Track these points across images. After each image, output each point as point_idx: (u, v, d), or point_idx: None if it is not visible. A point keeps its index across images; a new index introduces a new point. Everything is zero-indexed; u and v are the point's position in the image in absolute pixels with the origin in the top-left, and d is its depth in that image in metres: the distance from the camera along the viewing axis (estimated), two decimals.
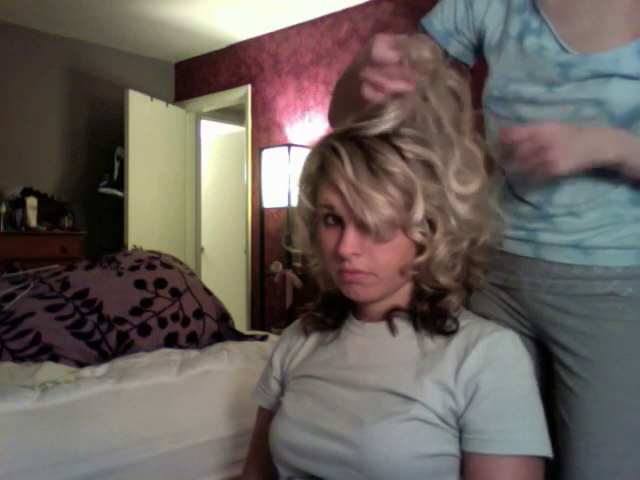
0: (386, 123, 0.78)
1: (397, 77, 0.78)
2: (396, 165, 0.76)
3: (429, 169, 0.78)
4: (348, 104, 0.88)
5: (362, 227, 0.78)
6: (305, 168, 0.85)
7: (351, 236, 0.78)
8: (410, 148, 0.77)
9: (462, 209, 0.79)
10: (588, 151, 0.85)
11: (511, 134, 0.84)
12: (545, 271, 0.96)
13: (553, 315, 0.96)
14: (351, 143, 0.78)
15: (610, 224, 0.92)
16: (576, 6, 0.93)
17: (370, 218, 0.76)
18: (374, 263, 0.80)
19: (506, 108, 0.97)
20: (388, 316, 0.85)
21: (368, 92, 0.80)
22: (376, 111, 0.80)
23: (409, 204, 0.77)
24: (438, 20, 1.06)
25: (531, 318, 0.99)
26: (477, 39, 1.05)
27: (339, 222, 0.80)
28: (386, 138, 0.78)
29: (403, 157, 0.77)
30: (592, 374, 0.91)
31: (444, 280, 0.82)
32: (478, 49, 1.06)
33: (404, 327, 0.85)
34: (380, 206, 0.76)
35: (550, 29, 0.94)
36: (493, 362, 0.77)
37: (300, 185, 0.87)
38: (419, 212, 0.77)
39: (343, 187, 0.77)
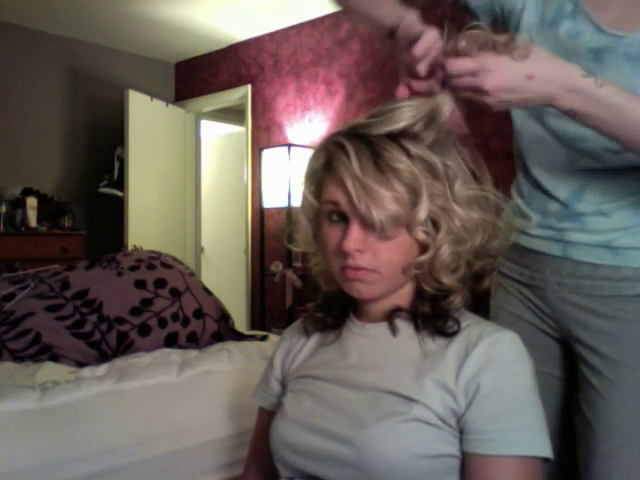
0: (394, 124, 0.78)
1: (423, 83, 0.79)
2: (402, 162, 0.76)
3: (434, 170, 0.78)
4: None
5: (366, 224, 0.78)
6: (310, 165, 0.85)
7: (355, 232, 0.78)
8: (415, 148, 0.78)
9: (463, 211, 0.79)
10: (536, 95, 0.77)
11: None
12: (572, 270, 0.95)
13: (578, 315, 0.95)
14: (358, 140, 0.78)
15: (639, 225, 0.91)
16: None
17: (375, 214, 0.76)
18: (377, 260, 0.80)
19: None
20: (389, 316, 0.85)
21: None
22: (385, 110, 0.80)
23: (414, 202, 0.77)
24: None
25: (555, 317, 0.99)
26: (508, 18, 1.00)
27: (343, 219, 0.80)
28: (393, 137, 0.78)
29: (409, 155, 0.77)
30: (618, 375, 0.90)
31: (447, 280, 0.82)
32: (501, 22, 1.01)
33: (405, 327, 0.84)
34: (386, 202, 0.76)
35: (584, 11, 0.91)
36: (493, 362, 0.77)
37: (305, 182, 0.86)
38: (423, 210, 0.77)
39: (349, 183, 0.77)
